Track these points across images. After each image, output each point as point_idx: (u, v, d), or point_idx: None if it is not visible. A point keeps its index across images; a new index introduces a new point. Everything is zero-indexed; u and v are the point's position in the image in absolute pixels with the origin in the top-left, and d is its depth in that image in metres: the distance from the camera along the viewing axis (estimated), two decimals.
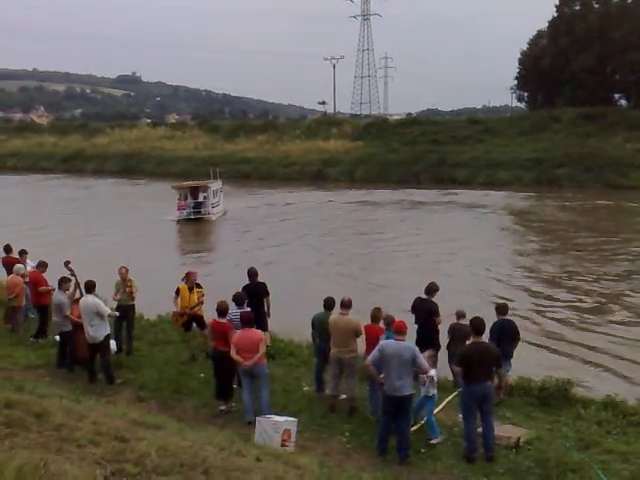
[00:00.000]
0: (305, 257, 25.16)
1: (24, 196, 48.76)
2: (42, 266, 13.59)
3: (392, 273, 22.11)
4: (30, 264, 14.42)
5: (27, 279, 13.84)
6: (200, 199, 35.81)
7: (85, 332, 11.11)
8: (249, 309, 10.71)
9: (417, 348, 8.64)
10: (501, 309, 10.47)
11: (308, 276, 21.71)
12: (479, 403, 8.29)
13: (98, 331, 11.06)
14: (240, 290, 11.34)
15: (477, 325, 8.62)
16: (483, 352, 8.33)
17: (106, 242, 28.07)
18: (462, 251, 25.50)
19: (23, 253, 14.85)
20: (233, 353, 9.44)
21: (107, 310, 11.33)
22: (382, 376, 8.47)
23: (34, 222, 32.87)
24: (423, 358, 8.65)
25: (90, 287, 11.23)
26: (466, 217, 35.37)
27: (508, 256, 25.52)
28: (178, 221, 34.94)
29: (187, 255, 26.94)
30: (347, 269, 23.00)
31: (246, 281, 11.99)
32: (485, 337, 8.99)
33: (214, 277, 19.41)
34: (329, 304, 10.37)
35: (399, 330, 8.45)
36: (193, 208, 35.47)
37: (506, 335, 10.06)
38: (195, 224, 34.60)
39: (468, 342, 8.86)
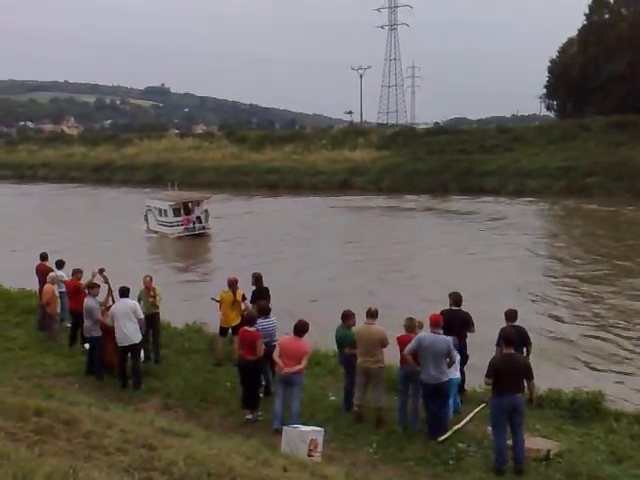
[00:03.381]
0: (335, 267, 25.23)
1: (26, 205, 49.87)
2: (78, 272, 13.73)
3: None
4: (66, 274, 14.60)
5: (64, 289, 14.06)
6: (197, 213, 34.93)
7: (118, 335, 11.28)
8: (274, 318, 10.77)
9: (451, 340, 9.14)
10: (510, 315, 10.19)
11: (335, 286, 21.66)
12: (509, 415, 8.17)
13: (134, 333, 11.27)
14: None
15: (508, 335, 8.53)
16: (513, 363, 8.23)
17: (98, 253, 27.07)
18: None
19: (61, 263, 15.04)
20: (276, 355, 9.48)
21: (142, 314, 11.54)
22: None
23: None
24: (455, 350, 9.27)
25: (125, 291, 11.58)
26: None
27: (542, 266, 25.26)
28: (180, 237, 33.77)
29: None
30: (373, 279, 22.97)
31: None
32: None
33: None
34: (344, 316, 10.26)
35: (436, 323, 9.06)
36: (194, 223, 34.58)
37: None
38: (196, 239, 33.66)
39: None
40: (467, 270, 23.41)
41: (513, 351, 8.43)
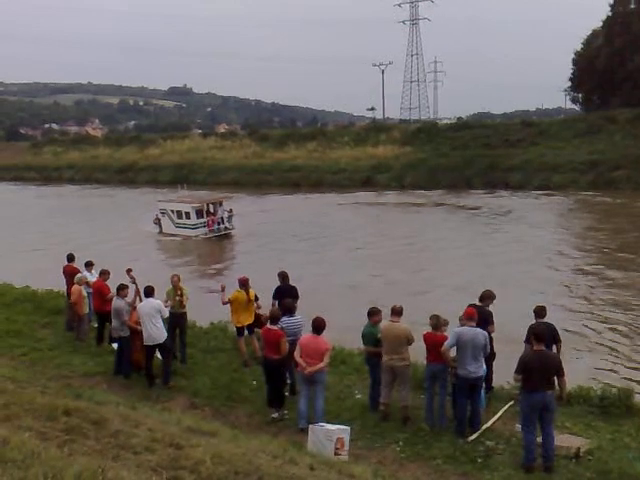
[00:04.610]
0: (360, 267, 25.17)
1: (38, 205, 50.88)
2: (105, 274, 13.89)
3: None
4: (95, 275, 14.73)
5: (91, 289, 14.22)
6: (221, 213, 34.43)
7: (145, 334, 11.38)
8: (300, 317, 10.75)
9: (487, 334, 9.20)
10: (539, 311, 10.00)
11: (361, 283, 21.62)
12: (539, 412, 8.09)
13: (161, 332, 11.37)
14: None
15: (538, 332, 8.44)
16: (544, 360, 8.14)
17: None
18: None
19: (89, 265, 15.20)
20: (297, 355, 9.48)
21: (167, 313, 11.61)
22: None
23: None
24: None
25: (150, 291, 11.64)
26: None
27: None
28: (205, 239, 33.48)
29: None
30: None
31: None
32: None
33: None
34: (369, 313, 10.16)
35: (471, 317, 9.16)
36: (219, 223, 34.18)
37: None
38: (219, 240, 33.64)
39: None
40: (483, 267, 23.19)
41: (544, 348, 8.34)
